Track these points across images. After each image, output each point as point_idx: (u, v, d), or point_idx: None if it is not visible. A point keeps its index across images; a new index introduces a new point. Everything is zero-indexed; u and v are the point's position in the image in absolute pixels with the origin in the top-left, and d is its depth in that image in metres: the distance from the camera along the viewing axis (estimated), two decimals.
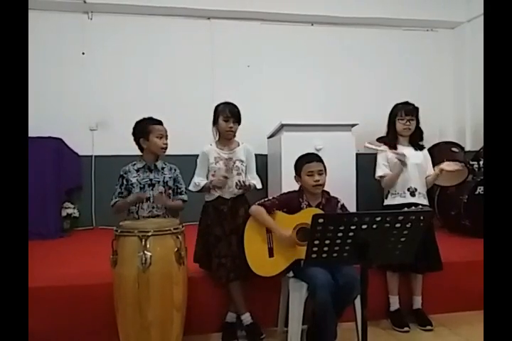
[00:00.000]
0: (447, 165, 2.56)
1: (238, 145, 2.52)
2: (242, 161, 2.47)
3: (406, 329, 2.45)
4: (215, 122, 2.46)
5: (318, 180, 2.27)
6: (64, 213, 4.02)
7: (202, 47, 4.61)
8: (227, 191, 2.42)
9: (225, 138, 2.47)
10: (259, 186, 2.50)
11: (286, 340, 2.15)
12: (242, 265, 2.24)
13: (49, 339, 2.27)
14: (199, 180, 2.43)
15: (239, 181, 2.35)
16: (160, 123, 2.40)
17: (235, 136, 2.50)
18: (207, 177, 2.46)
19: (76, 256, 3.12)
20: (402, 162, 2.46)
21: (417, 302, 2.59)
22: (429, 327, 2.47)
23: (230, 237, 2.33)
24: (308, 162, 2.30)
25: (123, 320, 1.96)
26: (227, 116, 2.40)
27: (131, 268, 1.88)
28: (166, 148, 2.37)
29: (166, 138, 2.38)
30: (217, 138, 2.50)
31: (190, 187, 2.46)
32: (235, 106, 2.45)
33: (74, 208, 4.13)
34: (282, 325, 2.43)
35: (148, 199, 2.31)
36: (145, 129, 2.34)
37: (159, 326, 1.91)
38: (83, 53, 4.40)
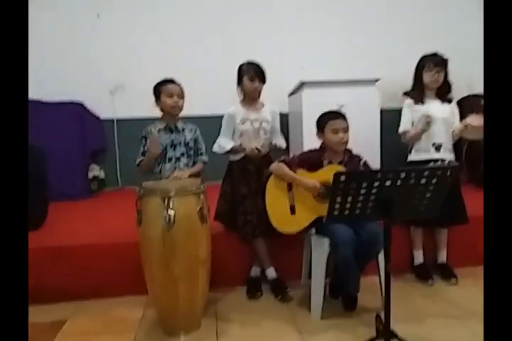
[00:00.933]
0: (473, 120, 2.44)
1: (263, 105, 2.50)
2: (268, 122, 2.47)
3: (430, 282, 2.47)
4: (239, 82, 2.43)
5: (343, 138, 2.23)
6: (90, 175, 4.11)
7: (215, 4, 4.42)
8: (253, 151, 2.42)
9: (251, 97, 2.45)
10: (284, 146, 2.52)
11: (310, 293, 2.20)
12: (267, 222, 2.27)
13: (82, 293, 2.40)
14: (224, 143, 2.43)
15: (270, 143, 2.44)
16: (170, 81, 2.36)
17: (259, 95, 2.47)
18: (232, 139, 2.45)
19: (104, 216, 3.22)
20: (428, 123, 2.39)
21: (442, 256, 2.59)
22: (453, 281, 2.47)
23: (256, 196, 2.35)
24: (333, 119, 2.25)
25: (150, 276, 2.03)
26: (251, 75, 2.36)
27: (156, 228, 1.92)
28: (176, 106, 2.32)
29: (180, 97, 2.33)
30: (241, 98, 2.47)
31: (215, 149, 2.46)
32: (259, 66, 2.41)
33: (100, 170, 4.22)
34: (306, 277, 2.49)
35: (170, 159, 2.32)
36: (157, 90, 2.34)
37: (186, 280, 1.97)
38: (98, 15, 4.31)
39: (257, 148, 2.34)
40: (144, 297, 2.26)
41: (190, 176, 2.32)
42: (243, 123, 2.42)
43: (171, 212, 1.91)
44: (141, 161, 2.36)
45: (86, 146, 4.11)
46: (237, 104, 2.48)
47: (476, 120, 2.43)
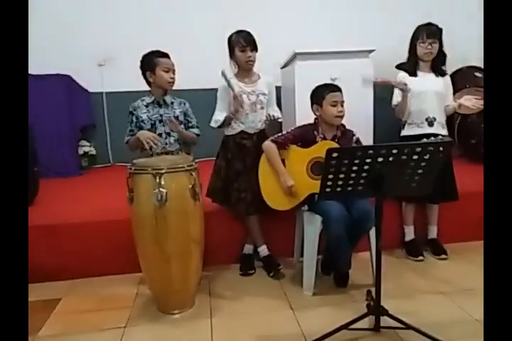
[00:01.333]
0: (467, 100, 2.41)
1: (259, 77, 2.42)
2: (264, 94, 2.40)
3: (420, 258, 2.50)
4: (231, 54, 2.34)
5: (342, 111, 2.19)
6: (81, 151, 4.06)
7: None
8: (251, 126, 2.38)
9: (246, 69, 2.37)
10: (280, 119, 2.44)
11: (302, 270, 2.22)
12: (261, 199, 2.26)
13: (76, 271, 2.41)
14: (219, 116, 2.36)
15: (268, 115, 2.32)
16: (167, 56, 2.29)
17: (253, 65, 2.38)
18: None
19: (96, 193, 3.20)
20: (404, 90, 2.36)
21: (433, 232, 2.61)
22: (443, 256, 2.51)
23: (251, 172, 2.32)
24: (332, 91, 2.20)
25: (143, 254, 2.03)
26: (242, 45, 2.28)
27: (148, 205, 1.91)
28: (172, 82, 2.28)
29: (174, 73, 2.28)
30: (236, 71, 2.39)
31: (212, 124, 2.40)
32: (249, 34, 2.31)
33: (90, 146, 4.16)
34: (298, 255, 2.51)
35: (160, 135, 2.26)
36: (151, 62, 2.25)
37: (179, 258, 1.98)
38: None
39: (234, 95, 2.25)
40: (139, 275, 2.26)
41: (182, 147, 2.31)
42: (239, 97, 2.32)
43: (163, 190, 1.88)
44: (129, 139, 2.31)
45: (75, 121, 4.03)
46: (233, 76, 2.38)
47: (469, 101, 2.39)
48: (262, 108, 2.39)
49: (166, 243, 1.93)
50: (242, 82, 2.37)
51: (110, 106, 4.29)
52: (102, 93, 4.28)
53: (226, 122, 2.35)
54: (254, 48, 2.31)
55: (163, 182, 1.89)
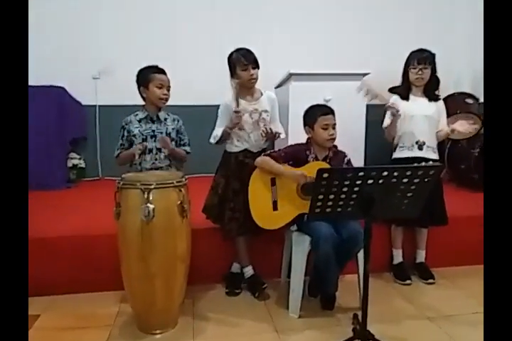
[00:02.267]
0: (460, 126, 2.43)
1: (261, 94, 2.38)
2: (267, 112, 2.36)
3: (408, 282, 2.48)
4: (232, 73, 2.29)
5: (333, 134, 2.19)
6: (70, 164, 4.02)
7: None
8: (255, 144, 2.35)
9: (248, 87, 2.31)
10: (283, 136, 2.39)
11: (289, 291, 2.18)
12: (253, 219, 2.22)
13: (57, 287, 2.35)
14: (217, 131, 2.32)
15: (266, 128, 2.26)
16: (162, 72, 2.28)
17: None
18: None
19: (82, 207, 3.14)
20: (394, 114, 2.35)
21: (421, 256, 2.60)
22: (431, 281, 2.50)
23: (248, 191, 2.27)
24: (324, 114, 2.19)
25: (127, 270, 1.98)
26: (244, 64, 2.23)
27: (135, 221, 1.87)
28: (165, 99, 2.26)
29: (168, 89, 2.27)
30: (237, 90, 2.30)
31: (211, 140, 2.36)
32: (249, 51, 2.27)
33: (80, 159, 4.13)
34: (285, 276, 2.48)
35: (150, 150, 2.25)
36: (146, 78, 2.24)
37: (163, 276, 1.93)
38: None
39: (235, 111, 2.21)
40: (121, 292, 2.20)
41: (172, 163, 2.28)
42: (235, 110, 2.26)
43: (151, 206, 1.86)
44: (120, 153, 2.29)
45: (66, 133, 4.00)
46: (234, 93, 2.31)
47: (463, 126, 2.42)
48: (265, 125, 2.33)
49: (151, 260, 1.89)
50: (245, 100, 2.31)
51: (103, 119, 4.28)
52: (95, 106, 4.28)
53: (224, 137, 2.32)
54: (256, 66, 2.26)
55: (151, 198, 1.86)
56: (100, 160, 4.29)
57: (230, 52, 2.33)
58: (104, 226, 2.35)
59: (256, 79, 2.29)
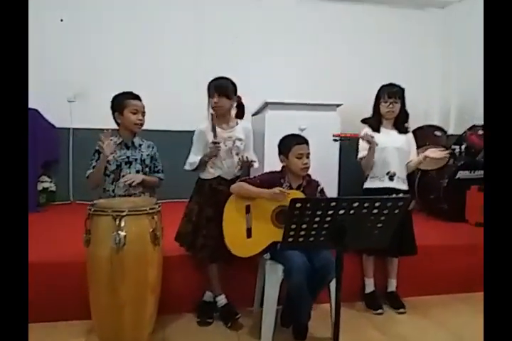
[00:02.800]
0: (432, 152, 2.53)
1: (237, 123, 2.42)
2: (241, 140, 2.39)
3: (380, 311, 2.49)
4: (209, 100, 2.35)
5: (307, 163, 2.23)
6: (40, 187, 3.93)
7: (187, 17, 4.44)
8: (228, 171, 2.36)
9: (219, 114, 2.34)
10: (256, 165, 2.42)
11: (261, 320, 2.16)
12: (226, 246, 2.21)
13: None
14: (194, 159, 2.34)
15: (242, 156, 2.29)
16: (137, 97, 2.31)
17: (230, 112, 2.39)
18: None
19: (51, 232, 3.06)
20: (370, 142, 2.42)
21: (392, 285, 2.63)
22: (402, 310, 2.51)
23: (221, 218, 2.26)
24: (298, 143, 2.24)
25: (96, 299, 1.93)
26: (210, 92, 2.31)
27: (105, 248, 1.84)
28: (140, 124, 2.28)
29: (143, 115, 2.29)
30: (211, 118, 2.35)
31: (186, 167, 2.37)
32: (223, 79, 2.33)
33: (51, 182, 4.04)
34: (258, 304, 2.44)
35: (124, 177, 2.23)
36: (121, 103, 2.26)
37: (132, 306, 1.89)
38: (61, 20, 4.20)
39: (214, 142, 2.24)
40: (88, 322, 2.12)
41: (145, 190, 2.26)
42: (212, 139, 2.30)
43: (122, 233, 1.83)
44: (91, 173, 2.26)
45: (37, 156, 3.91)
46: (210, 120, 2.36)
47: (434, 153, 2.51)
48: (238, 154, 2.36)
49: (120, 289, 1.85)
50: (220, 128, 2.35)
51: (76, 142, 4.24)
52: (69, 129, 4.24)
53: (201, 165, 2.34)
54: (225, 95, 2.29)
55: (122, 225, 1.84)
56: (72, 184, 4.22)
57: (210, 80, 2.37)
58: (72, 252, 2.28)
59: (220, 106, 2.31)
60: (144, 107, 2.30)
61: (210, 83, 2.34)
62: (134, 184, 2.22)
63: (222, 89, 2.29)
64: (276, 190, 2.14)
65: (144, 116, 2.29)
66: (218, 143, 2.26)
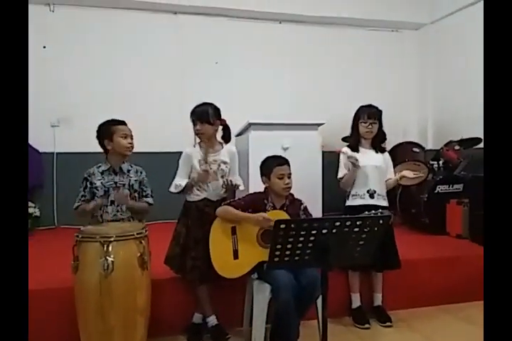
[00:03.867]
0: (408, 173, 2.62)
1: (222, 147, 2.48)
2: (226, 163, 2.45)
3: (367, 326, 2.54)
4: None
5: (288, 183, 2.30)
6: None
7: (170, 41, 4.55)
8: (213, 193, 2.41)
9: (201, 139, 2.42)
10: (242, 187, 2.49)
11: (251, 339, 2.18)
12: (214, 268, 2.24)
13: None
14: (180, 181, 2.39)
15: (226, 180, 2.35)
16: (123, 123, 2.35)
17: (215, 136, 2.46)
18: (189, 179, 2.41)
19: (36, 258, 3.00)
20: (354, 164, 2.49)
21: (378, 299, 2.68)
22: (388, 324, 2.56)
23: (209, 240, 2.30)
24: (279, 165, 2.32)
25: (84, 325, 1.94)
26: (192, 119, 2.39)
27: (93, 274, 1.86)
28: (131, 147, 2.32)
29: (131, 138, 2.33)
30: (198, 140, 2.45)
31: (171, 189, 2.41)
32: (204, 106, 2.40)
33: (35, 207, 4.01)
34: (247, 324, 2.46)
35: (112, 202, 2.27)
36: (108, 130, 2.30)
37: (122, 331, 1.90)
38: (44, 47, 4.26)
39: (204, 170, 2.32)
40: None
41: (133, 215, 2.29)
42: (201, 165, 2.38)
43: (110, 259, 1.85)
44: (79, 206, 2.28)
45: None
46: (196, 144, 2.46)
47: (410, 174, 2.60)
48: (223, 176, 2.42)
49: (109, 314, 1.87)
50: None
51: (60, 166, 4.25)
52: (53, 153, 4.25)
53: (187, 188, 2.38)
54: (205, 121, 2.36)
55: (110, 250, 1.87)
56: (56, 209, 4.20)
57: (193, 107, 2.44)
58: (59, 278, 2.29)
59: (202, 133, 2.39)
60: (131, 131, 2.34)
61: (192, 111, 2.41)
62: (121, 204, 2.24)
63: (203, 116, 2.37)
64: (260, 217, 2.20)
65: (132, 139, 2.33)
66: (207, 170, 2.33)
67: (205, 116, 2.37)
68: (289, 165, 2.35)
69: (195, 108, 2.42)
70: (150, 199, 2.40)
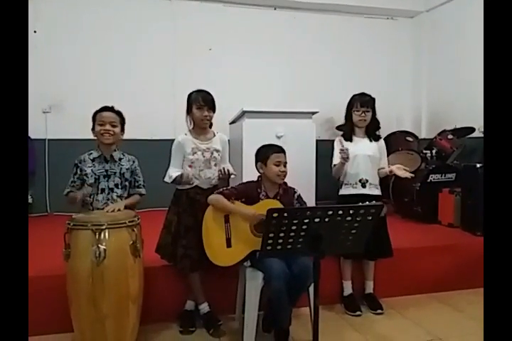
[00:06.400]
0: (397, 169, 2.61)
1: (214, 135, 2.47)
2: (218, 151, 2.44)
3: (358, 313, 2.56)
4: (188, 111, 2.39)
5: (284, 171, 2.31)
6: None
7: (163, 28, 4.49)
8: (205, 181, 2.40)
9: (200, 127, 2.40)
10: (233, 175, 2.48)
11: (243, 326, 2.20)
12: (206, 256, 2.24)
13: None
14: (173, 172, 2.36)
15: (223, 168, 2.35)
16: (106, 109, 2.27)
17: (211, 124, 2.44)
18: (182, 168, 2.39)
19: (30, 245, 3.01)
20: (343, 157, 2.49)
21: (369, 286, 2.71)
22: (379, 311, 2.59)
23: (201, 227, 2.29)
24: (277, 152, 2.33)
25: (77, 313, 1.94)
26: (200, 104, 2.33)
27: (85, 262, 1.86)
28: (106, 134, 2.23)
29: (112, 125, 2.24)
30: (191, 127, 2.43)
31: (166, 179, 2.39)
32: (208, 94, 2.38)
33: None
34: (240, 311, 2.48)
35: (103, 190, 2.24)
36: (93, 118, 2.26)
37: (114, 318, 1.91)
38: (35, 31, 4.18)
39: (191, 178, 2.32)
40: (70, 334, 2.11)
41: (126, 208, 2.24)
42: (194, 153, 2.37)
43: (102, 247, 1.85)
44: (69, 192, 2.25)
45: None
46: (187, 132, 2.42)
47: (399, 170, 2.60)
48: (216, 164, 2.42)
49: (102, 302, 1.87)
50: (198, 139, 2.40)
51: (52, 153, 4.22)
52: (44, 140, 4.21)
53: (176, 181, 2.36)
54: (212, 108, 2.36)
55: (102, 239, 1.86)
56: (49, 196, 4.18)
57: (190, 92, 2.41)
58: (51, 265, 2.28)
59: (209, 120, 2.38)
60: (114, 118, 2.26)
61: (195, 95, 2.36)
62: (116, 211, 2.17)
63: (212, 102, 2.36)
64: (251, 212, 2.22)
65: (113, 126, 2.25)
66: (191, 179, 2.33)
67: (213, 102, 2.37)
68: (285, 153, 2.35)
69: (198, 94, 2.36)
70: (142, 190, 2.38)
